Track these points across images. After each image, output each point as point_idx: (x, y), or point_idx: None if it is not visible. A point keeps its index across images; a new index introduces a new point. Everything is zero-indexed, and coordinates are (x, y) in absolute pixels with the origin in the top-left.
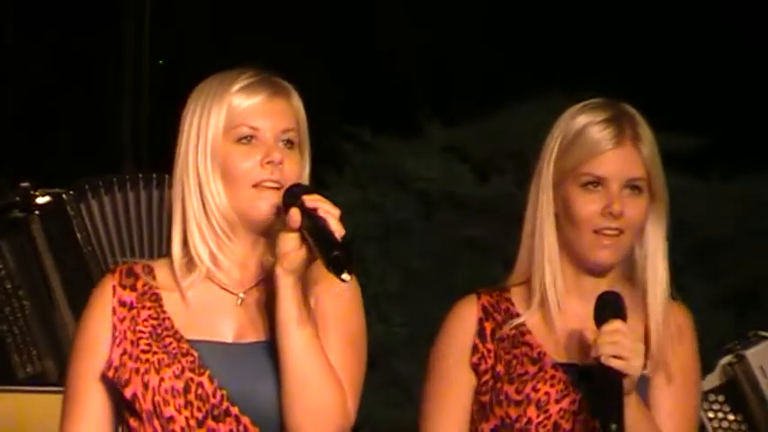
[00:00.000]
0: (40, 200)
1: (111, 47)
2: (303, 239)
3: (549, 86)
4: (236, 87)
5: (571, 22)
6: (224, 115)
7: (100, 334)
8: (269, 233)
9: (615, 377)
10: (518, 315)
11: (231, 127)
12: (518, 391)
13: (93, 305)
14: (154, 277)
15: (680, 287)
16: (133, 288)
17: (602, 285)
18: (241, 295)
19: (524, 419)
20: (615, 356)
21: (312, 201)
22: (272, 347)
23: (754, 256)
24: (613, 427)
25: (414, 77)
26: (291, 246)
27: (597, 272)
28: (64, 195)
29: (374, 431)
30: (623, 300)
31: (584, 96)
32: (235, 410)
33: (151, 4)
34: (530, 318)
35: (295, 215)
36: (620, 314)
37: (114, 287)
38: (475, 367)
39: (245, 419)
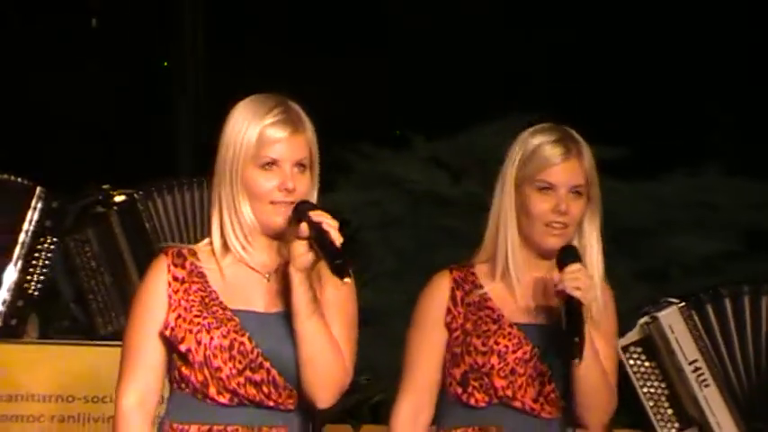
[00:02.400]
0: (117, 198)
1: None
2: (311, 246)
3: (508, 111)
4: (268, 121)
5: (523, 60)
6: (255, 143)
7: (157, 302)
8: (283, 234)
9: (575, 304)
10: (481, 286)
11: (259, 155)
12: (484, 344)
13: (150, 279)
14: (198, 258)
15: (607, 265)
16: (183, 267)
17: (550, 265)
18: (267, 276)
19: (488, 366)
20: (575, 288)
21: (317, 215)
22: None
23: (664, 241)
24: (576, 339)
25: (403, 103)
26: (301, 251)
27: (548, 256)
28: (136, 195)
29: (374, 374)
30: (578, 250)
31: (535, 119)
32: (267, 364)
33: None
34: (491, 289)
35: (304, 228)
36: (578, 260)
37: (169, 266)
38: (448, 325)
39: (273, 371)
